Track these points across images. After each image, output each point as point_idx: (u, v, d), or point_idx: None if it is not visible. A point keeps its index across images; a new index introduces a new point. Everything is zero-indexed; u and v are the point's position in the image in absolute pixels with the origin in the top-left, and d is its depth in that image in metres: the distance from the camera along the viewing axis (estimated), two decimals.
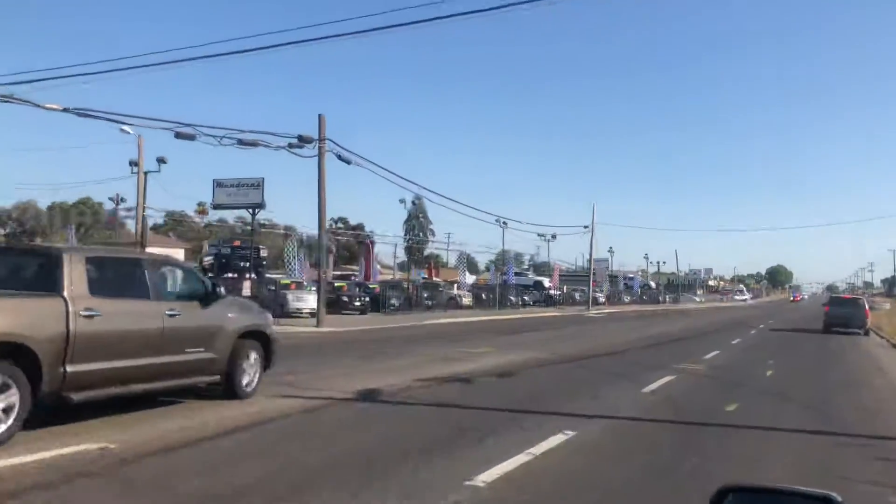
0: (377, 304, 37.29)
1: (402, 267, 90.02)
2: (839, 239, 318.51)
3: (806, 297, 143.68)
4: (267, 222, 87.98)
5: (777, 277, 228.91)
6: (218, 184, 28.43)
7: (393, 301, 38.84)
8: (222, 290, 9.49)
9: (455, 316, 37.62)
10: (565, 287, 62.92)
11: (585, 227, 57.01)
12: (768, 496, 1.67)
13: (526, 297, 56.37)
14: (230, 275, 31.10)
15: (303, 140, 26.73)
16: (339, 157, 28.70)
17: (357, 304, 35.97)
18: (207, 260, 38.08)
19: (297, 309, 32.13)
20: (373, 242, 43.67)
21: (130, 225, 49.21)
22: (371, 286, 39.34)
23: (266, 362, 9.77)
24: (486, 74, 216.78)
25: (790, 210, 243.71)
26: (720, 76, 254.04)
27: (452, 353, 16.86)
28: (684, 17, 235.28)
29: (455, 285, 44.22)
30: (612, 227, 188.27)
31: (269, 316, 10.54)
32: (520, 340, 22.02)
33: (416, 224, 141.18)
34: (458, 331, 26.31)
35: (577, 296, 64.91)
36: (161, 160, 30.13)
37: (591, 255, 58.29)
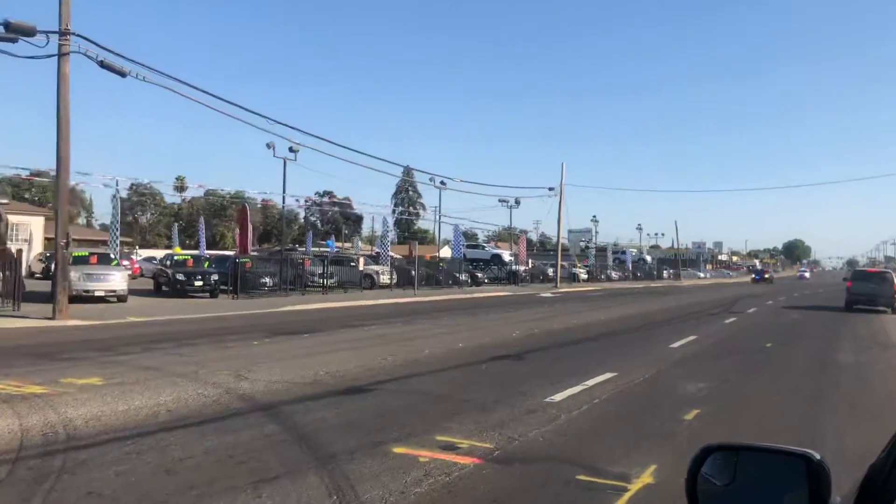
0: (243, 283, 27.58)
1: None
2: (859, 209, 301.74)
3: (807, 274, 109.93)
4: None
5: (794, 252, 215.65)
6: None
7: (265, 280, 29.09)
8: None
9: (346, 299, 28.05)
10: (531, 262, 52.55)
11: (551, 188, 46.64)
12: (749, 454, 1.68)
13: (479, 274, 46.27)
14: None
15: (14, 30, 16.82)
16: (103, 65, 18.98)
17: (197, 284, 26.23)
18: None
19: (88, 290, 22.48)
20: (247, 206, 33.77)
21: None
22: (242, 259, 29.50)
23: None
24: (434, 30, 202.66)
25: (806, 173, 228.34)
26: (727, 31, 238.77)
27: None
28: None
29: (361, 260, 34.05)
30: (593, 191, 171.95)
31: None
32: (219, 357, 12.13)
33: (406, 198, 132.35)
34: (229, 329, 16.41)
35: (550, 271, 54.67)
36: None
37: (559, 220, 47.70)
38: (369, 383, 9.04)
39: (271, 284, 29.31)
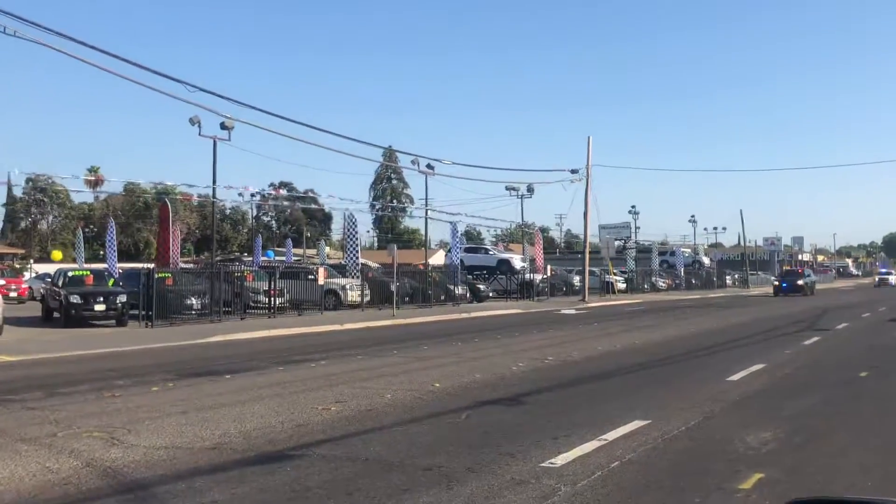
0: (161, 306, 26.91)
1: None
2: None
3: (892, 278, 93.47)
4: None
5: None
6: None
7: (191, 301, 28.44)
8: None
9: (299, 324, 27.77)
10: (550, 268, 51.84)
11: (574, 171, 46.09)
12: None
13: (482, 286, 45.68)
14: None
15: None
16: None
17: (98, 308, 25.56)
18: None
19: None
20: (167, 203, 32.80)
21: None
22: (162, 274, 28.79)
23: None
24: None
25: None
26: None
27: None
28: None
29: (322, 272, 33.00)
30: (632, 174, 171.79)
31: None
32: None
33: (389, 188, 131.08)
34: None
35: (576, 280, 54.06)
36: None
37: (585, 213, 47.12)
38: (295, 447, 8.32)
39: (199, 307, 28.64)
